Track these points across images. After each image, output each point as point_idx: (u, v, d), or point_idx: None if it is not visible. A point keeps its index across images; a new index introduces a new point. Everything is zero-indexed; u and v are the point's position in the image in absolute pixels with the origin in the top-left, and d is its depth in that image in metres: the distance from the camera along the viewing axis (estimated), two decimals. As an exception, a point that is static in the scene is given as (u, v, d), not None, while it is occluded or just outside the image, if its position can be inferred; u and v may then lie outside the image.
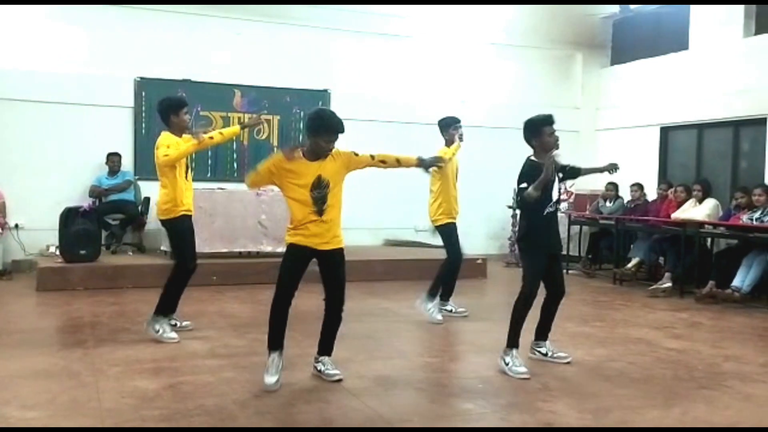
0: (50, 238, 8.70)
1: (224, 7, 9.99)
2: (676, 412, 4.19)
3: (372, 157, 4.69)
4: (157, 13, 9.79)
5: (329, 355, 4.75)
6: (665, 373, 5.04)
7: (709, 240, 8.90)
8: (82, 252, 8.18)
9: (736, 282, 7.73)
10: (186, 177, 5.78)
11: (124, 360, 5.05)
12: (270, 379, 4.46)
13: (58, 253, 8.38)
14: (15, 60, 9.20)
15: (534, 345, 5.30)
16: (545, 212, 5.03)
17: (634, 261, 9.25)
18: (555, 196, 5.11)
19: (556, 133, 5.09)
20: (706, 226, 8.54)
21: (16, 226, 9.08)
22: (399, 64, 11.08)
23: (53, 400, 4.16)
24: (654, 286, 8.53)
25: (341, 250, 4.64)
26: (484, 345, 5.63)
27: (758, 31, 9.67)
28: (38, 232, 8.97)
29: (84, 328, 6.10)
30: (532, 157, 5.12)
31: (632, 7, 11.34)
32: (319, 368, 4.72)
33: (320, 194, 4.47)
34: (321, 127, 4.46)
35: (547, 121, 5.10)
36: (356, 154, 4.64)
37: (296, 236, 4.54)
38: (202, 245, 8.40)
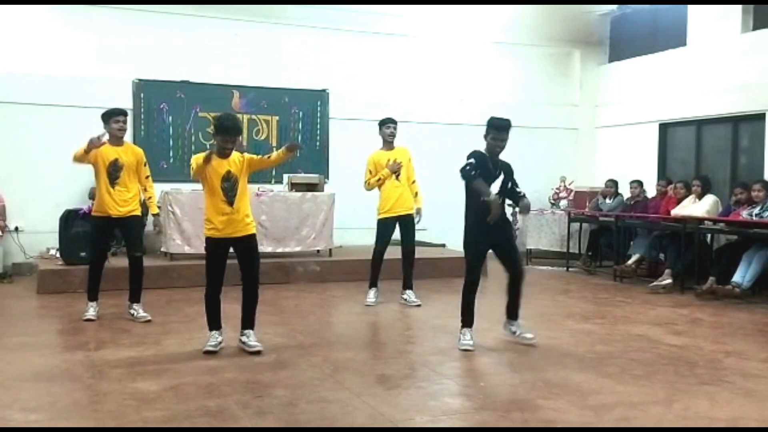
0: (50, 241, 8.70)
1: (222, 8, 9.99)
2: (678, 408, 4.20)
3: (269, 157, 5.47)
4: (155, 14, 9.79)
5: (252, 328, 5.35)
6: (666, 369, 5.04)
7: (708, 236, 8.89)
8: (82, 254, 8.14)
9: (737, 278, 7.73)
10: (110, 182, 6.21)
11: (125, 362, 5.05)
12: (211, 343, 5.26)
13: (58, 255, 8.38)
14: (13, 63, 9.20)
15: (505, 323, 5.68)
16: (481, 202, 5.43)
17: (634, 258, 9.25)
18: (494, 190, 5.43)
19: (506, 141, 5.51)
20: (706, 222, 8.54)
21: (16, 229, 9.08)
22: (397, 63, 11.08)
23: (55, 402, 4.17)
24: (654, 283, 8.53)
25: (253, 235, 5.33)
26: (484, 343, 5.63)
27: (756, 27, 9.66)
28: (38, 234, 8.99)
29: (85, 330, 6.09)
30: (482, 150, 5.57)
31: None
32: (243, 340, 5.32)
33: (229, 186, 5.14)
34: (217, 128, 5.17)
35: (493, 125, 5.54)
36: (256, 156, 5.43)
37: (212, 229, 5.23)
38: (202, 246, 8.41)
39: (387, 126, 7.28)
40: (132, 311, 6.41)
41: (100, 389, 4.40)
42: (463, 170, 5.40)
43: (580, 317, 6.95)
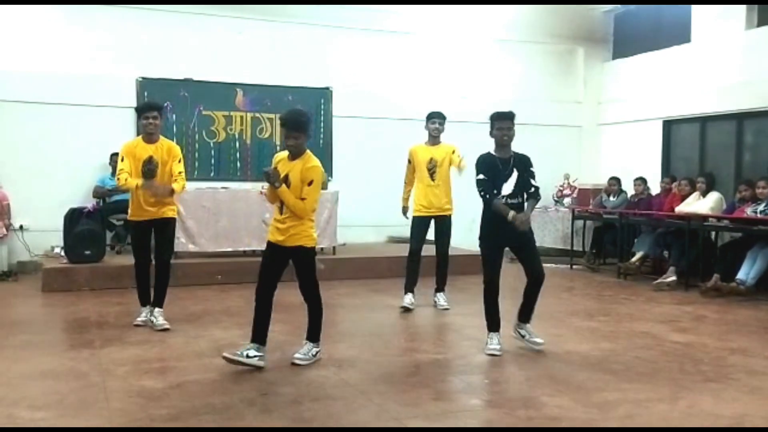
0: (55, 239, 8.72)
1: (225, 6, 9.99)
2: (683, 406, 4.20)
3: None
4: (158, 12, 9.81)
5: (313, 340, 5.06)
6: (671, 366, 5.05)
7: (713, 233, 8.89)
8: (87, 252, 8.19)
9: (741, 275, 7.73)
10: (146, 181, 5.84)
11: (131, 359, 5.07)
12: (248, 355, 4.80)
13: (63, 253, 8.41)
14: (17, 61, 9.22)
15: (515, 326, 5.53)
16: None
17: (638, 255, 9.25)
18: (507, 190, 5.33)
19: (511, 130, 5.37)
20: (710, 219, 8.53)
21: (21, 227, 9.11)
22: (400, 60, 11.08)
23: (61, 400, 4.18)
24: (658, 280, 8.53)
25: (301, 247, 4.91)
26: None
27: (760, 23, 9.64)
28: (43, 233, 9.00)
29: (90, 328, 6.12)
30: (491, 151, 5.44)
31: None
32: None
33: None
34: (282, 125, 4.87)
35: (493, 116, 5.43)
36: (309, 185, 4.80)
37: (270, 232, 4.97)
38: (206, 244, 8.48)
39: (432, 121, 6.99)
40: (152, 318, 6.05)
41: (106, 387, 4.41)
42: (478, 189, 5.32)
43: (584, 315, 6.95)
